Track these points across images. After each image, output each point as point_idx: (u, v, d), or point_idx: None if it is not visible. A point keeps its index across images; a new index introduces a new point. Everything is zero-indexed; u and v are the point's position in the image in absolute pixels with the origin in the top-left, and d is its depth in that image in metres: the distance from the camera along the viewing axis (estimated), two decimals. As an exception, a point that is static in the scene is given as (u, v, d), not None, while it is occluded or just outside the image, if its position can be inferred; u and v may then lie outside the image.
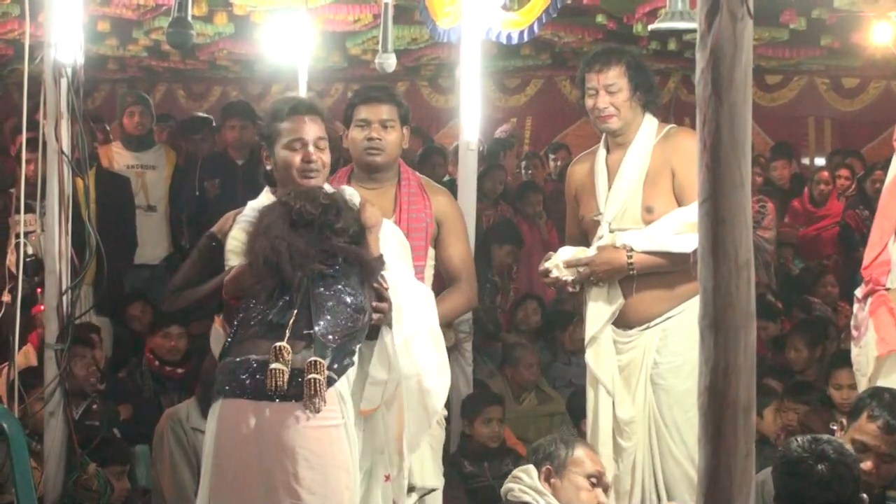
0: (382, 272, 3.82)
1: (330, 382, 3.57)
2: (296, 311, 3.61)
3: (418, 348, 3.84)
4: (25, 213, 4.78)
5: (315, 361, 3.53)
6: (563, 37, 10.11)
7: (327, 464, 3.55)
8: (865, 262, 4.64)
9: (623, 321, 4.65)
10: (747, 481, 2.33)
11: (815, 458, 3.27)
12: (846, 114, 12.70)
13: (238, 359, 3.64)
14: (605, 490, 3.75)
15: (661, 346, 4.58)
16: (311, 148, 3.92)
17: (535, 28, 5.05)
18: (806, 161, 12.59)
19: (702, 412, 2.33)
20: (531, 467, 3.72)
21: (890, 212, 4.61)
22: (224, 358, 3.72)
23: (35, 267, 4.79)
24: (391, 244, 3.99)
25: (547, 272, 4.69)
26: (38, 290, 4.67)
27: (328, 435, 3.57)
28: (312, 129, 3.94)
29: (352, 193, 4.01)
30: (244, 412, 3.57)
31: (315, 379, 3.51)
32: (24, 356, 5.26)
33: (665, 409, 4.56)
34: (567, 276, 4.63)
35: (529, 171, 10.12)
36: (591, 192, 4.75)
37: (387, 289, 3.79)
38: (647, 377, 4.60)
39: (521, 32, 5.11)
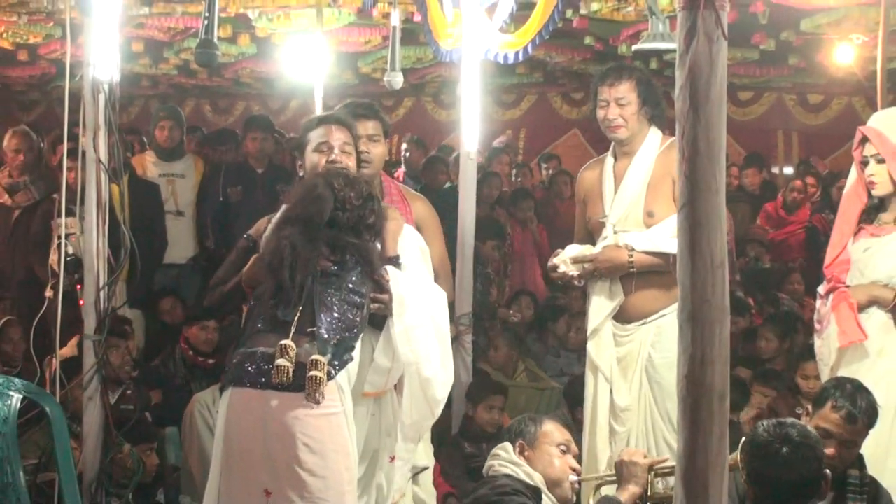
0: (386, 266, 3.81)
1: (330, 377, 3.57)
2: (300, 309, 3.62)
3: (419, 338, 3.82)
4: (67, 216, 4.76)
5: (316, 360, 3.53)
6: (554, 57, 10.12)
7: (327, 448, 3.55)
8: (827, 261, 4.63)
9: (622, 316, 4.63)
10: (722, 461, 2.33)
11: (780, 441, 3.25)
12: (812, 127, 12.71)
13: (248, 351, 3.64)
14: (575, 456, 3.78)
15: (655, 341, 4.57)
16: (336, 151, 3.98)
17: (529, 49, 5.03)
18: (776, 170, 12.58)
19: (680, 398, 2.34)
20: (507, 444, 3.75)
21: (849, 216, 4.60)
22: (237, 349, 3.73)
23: (75, 265, 4.77)
24: (412, 248, 3.99)
25: (555, 267, 4.67)
26: (78, 286, 4.65)
27: (328, 422, 3.57)
28: (339, 136, 4.02)
29: None
30: (251, 400, 3.59)
31: (316, 376, 3.52)
32: (72, 349, 5.23)
33: (659, 400, 4.56)
34: (573, 271, 4.62)
35: (519, 179, 10.10)
36: (598, 196, 4.73)
37: (387, 281, 3.79)
38: (642, 369, 4.58)
39: (517, 53, 5.09)
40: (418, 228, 4.54)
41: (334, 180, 3.81)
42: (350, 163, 4.00)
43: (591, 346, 4.69)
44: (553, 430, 3.77)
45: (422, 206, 4.65)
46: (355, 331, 3.68)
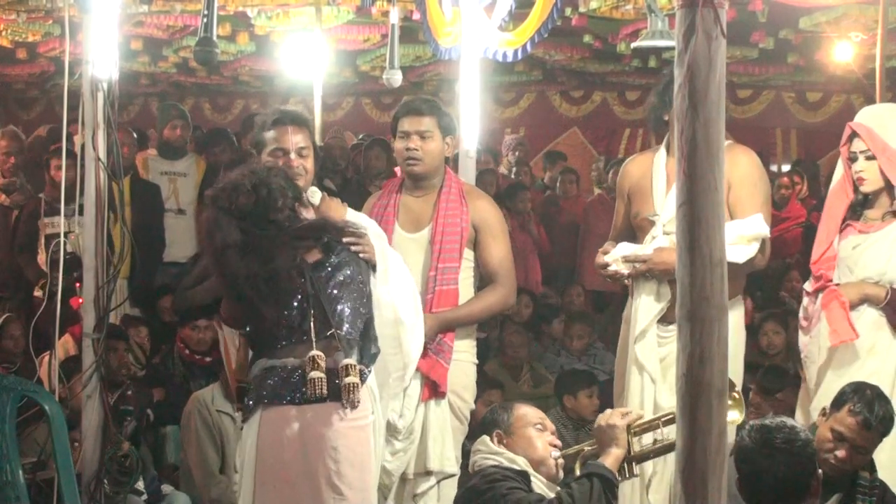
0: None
1: (363, 378, 3.55)
2: (313, 312, 3.52)
3: (396, 283, 3.78)
4: (57, 216, 4.75)
5: (347, 365, 3.48)
6: (553, 55, 10.12)
7: (364, 461, 3.57)
8: (814, 257, 4.56)
9: (664, 317, 4.45)
10: (721, 458, 2.33)
11: (761, 445, 3.23)
12: (810, 125, 12.72)
13: (274, 364, 3.55)
14: (552, 433, 3.73)
15: None
16: (292, 155, 3.84)
17: (528, 47, 5.02)
18: (774, 168, 12.59)
19: (679, 395, 2.33)
20: (485, 437, 3.70)
21: (834, 212, 4.55)
22: (255, 361, 3.63)
23: (75, 264, 4.76)
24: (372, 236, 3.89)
25: (606, 265, 4.49)
26: (77, 284, 4.64)
27: (365, 434, 3.58)
28: (294, 139, 3.86)
29: (313, 192, 3.94)
30: (287, 417, 3.51)
31: (351, 383, 3.47)
32: (63, 346, 5.23)
33: None
34: (625, 269, 4.45)
35: (519, 177, 10.03)
36: (647, 193, 4.52)
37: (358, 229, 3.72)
38: None
39: (516, 51, 5.09)
40: (476, 228, 4.43)
41: (216, 199, 3.58)
42: (307, 165, 3.84)
43: (638, 348, 4.49)
44: (527, 412, 3.72)
45: (482, 205, 4.50)
46: (369, 315, 3.63)
